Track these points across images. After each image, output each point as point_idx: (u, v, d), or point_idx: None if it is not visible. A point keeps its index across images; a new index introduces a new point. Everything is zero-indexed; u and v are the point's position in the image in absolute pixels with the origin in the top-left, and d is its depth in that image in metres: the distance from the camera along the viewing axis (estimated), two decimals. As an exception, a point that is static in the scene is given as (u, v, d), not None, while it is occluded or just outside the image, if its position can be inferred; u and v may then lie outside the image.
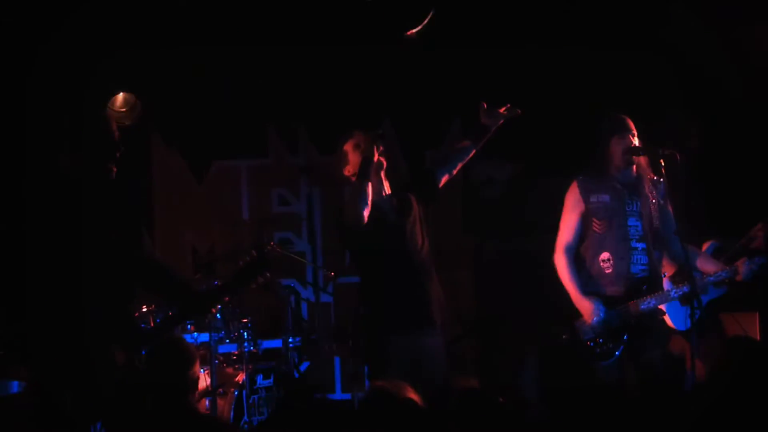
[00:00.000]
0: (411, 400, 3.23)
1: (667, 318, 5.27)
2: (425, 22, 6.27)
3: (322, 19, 6.47)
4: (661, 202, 5.16)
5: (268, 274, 4.21)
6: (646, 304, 5.01)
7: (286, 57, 6.93)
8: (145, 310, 5.73)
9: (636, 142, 5.10)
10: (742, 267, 5.04)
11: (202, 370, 5.92)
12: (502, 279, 6.35)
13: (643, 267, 5.08)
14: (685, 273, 4.98)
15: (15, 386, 5.39)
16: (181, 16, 6.35)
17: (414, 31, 6.41)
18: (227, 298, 4.50)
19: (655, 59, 6.52)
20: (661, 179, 5.13)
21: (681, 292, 4.99)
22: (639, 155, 5.09)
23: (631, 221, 5.11)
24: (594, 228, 5.10)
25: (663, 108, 6.39)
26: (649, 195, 5.13)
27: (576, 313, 5.05)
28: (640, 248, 5.09)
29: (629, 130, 5.10)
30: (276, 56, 6.91)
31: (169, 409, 3.58)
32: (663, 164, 4.94)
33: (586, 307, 5.01)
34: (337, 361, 7.28)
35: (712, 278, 5.07)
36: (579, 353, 5.05)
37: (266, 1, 6.47)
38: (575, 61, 6.67)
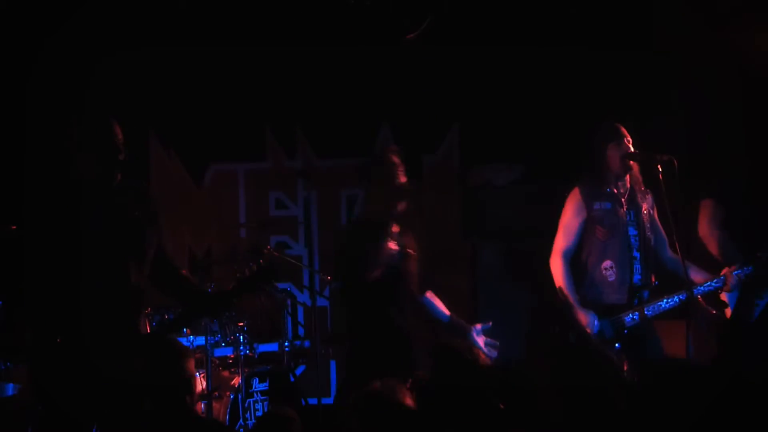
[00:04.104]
0: (404, 404, 3.20)
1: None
2: (424, 24, 6.27)
3: (320, 21, 6.47)
4: (651, 211, 5.17)
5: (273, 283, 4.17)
6: (638, 314, 5.00)
7: (284, 59, 6.93)
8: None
9: (631, 148, 5.08)
10: (731, 277, 5.03)
11: (198, 374, 5.91)
12: (501, 284, 6.31)
13: (641, 276, 5.08)
14: (679, 283, 4.98)
15: (10, 389, 5.37)
16: (180, 17, 6.35)
17: (413, 34, 6.41)
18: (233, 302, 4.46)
19: (654, 60, 6.51)
20: (649, 191, 5.14)
21: (673, 303, 4.99)
22: (637, 160, 5.07)
23: (631, 230, 5.10)
24: (597, 235, 5.08)
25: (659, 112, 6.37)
26: (642, 205, 5.13)
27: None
28: (638, 258, 5.09)
29: (624, 136, 5.09)
30: (274, 58, 6.91)
31: (168, 410, 3.55)
32: (660, 170, 4.93)
33: (581, 319, 5.00)
34: (332, 365, 7.26)
35: (702, 288, 5.03)
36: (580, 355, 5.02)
37: (264, 2, 6.46)
38: (574, 62, 6.66)
